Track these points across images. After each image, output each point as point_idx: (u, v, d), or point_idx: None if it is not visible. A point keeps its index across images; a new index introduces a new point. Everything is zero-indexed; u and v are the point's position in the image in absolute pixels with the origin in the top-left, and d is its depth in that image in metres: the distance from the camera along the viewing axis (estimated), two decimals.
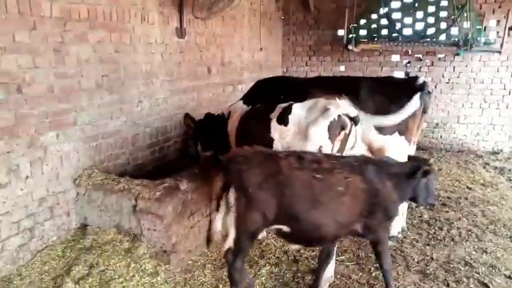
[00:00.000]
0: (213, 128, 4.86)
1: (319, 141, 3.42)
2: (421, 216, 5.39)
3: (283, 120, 3.62)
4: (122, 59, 4.84)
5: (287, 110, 3.63)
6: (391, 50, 8.59)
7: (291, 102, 3.73)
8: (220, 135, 4.61)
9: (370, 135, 4.26)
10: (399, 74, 8.84)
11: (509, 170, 7.42)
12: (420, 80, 4.28)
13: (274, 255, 4.42)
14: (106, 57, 4.60)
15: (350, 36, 8.53)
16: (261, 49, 8.33)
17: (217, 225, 3.08)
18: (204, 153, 5.13)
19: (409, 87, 4.29)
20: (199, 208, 4.45)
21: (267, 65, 8.82)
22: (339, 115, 3.45)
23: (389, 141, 4.29)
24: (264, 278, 4.01)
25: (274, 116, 3.71)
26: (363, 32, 8.75)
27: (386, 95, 4.26)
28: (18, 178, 3.76)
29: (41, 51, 3.85)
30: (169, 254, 4.02)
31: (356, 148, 3.86)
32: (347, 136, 3.54)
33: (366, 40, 8.47)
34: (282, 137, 3.61)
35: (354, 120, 3.49)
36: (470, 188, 6.46)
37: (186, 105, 6.09)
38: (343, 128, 3.48)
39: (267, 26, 8.63)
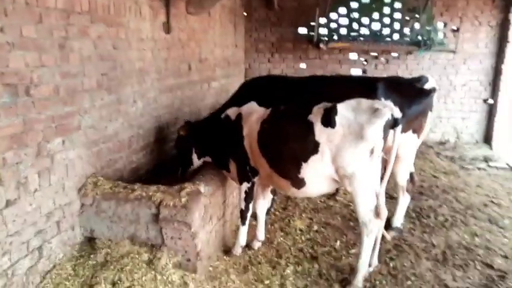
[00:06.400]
0: (215, 132, 4.45)
1: (374, 141, 3.35)
2: None
3: (329, 122, 3.41)
4: (119, 56, 4.44)
5: (332, 111, 3.41)
6: (362, 49, 8.99)
7: (333, 103, 3.51)
8: (228, 139, 4.24)
9: None
10: (357, 71, 9.32)
11: (458, 158, 8.21)
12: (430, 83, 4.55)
13: (292, 254, 4.44)
14: (105, 54, 4.20)
15: (311, 33, 8.80)
16: (236, 46, 8.18)
17: None
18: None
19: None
20: (215, 211, 4.31)
21: (233, 62, 8.70)
22: (391, 114, 3.38)
23: (404, 139, 4.36)
24: (291, 278, 4.01)
25: (315, 117, 3.50)
26: (322, 31, 9.04)
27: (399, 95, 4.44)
28: (27, 192, 3.30)
29: (47, 48, 3.40)
30: (195, 262, 3.84)
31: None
32: (394, 136, 3.51)
33: (336, 39, 8.77)
34: (329, 139, 3.42)
35: (396, 121, 3.42)
36: (435, 177, 7.02)
37: (172, 104, 5.79)
38: (392, 127, 3.42)
39: (234, 22, 8.50)
